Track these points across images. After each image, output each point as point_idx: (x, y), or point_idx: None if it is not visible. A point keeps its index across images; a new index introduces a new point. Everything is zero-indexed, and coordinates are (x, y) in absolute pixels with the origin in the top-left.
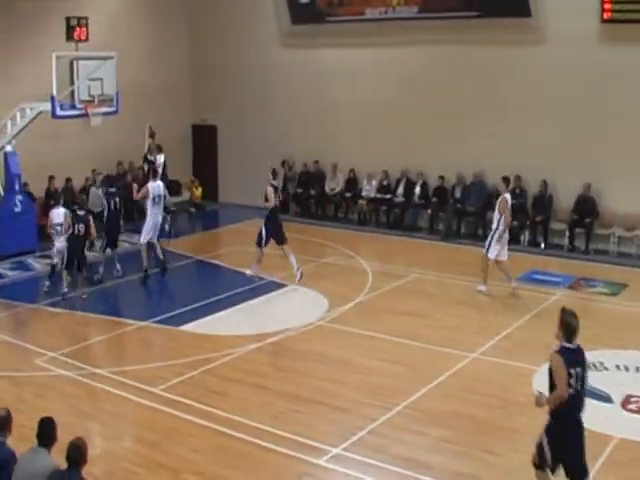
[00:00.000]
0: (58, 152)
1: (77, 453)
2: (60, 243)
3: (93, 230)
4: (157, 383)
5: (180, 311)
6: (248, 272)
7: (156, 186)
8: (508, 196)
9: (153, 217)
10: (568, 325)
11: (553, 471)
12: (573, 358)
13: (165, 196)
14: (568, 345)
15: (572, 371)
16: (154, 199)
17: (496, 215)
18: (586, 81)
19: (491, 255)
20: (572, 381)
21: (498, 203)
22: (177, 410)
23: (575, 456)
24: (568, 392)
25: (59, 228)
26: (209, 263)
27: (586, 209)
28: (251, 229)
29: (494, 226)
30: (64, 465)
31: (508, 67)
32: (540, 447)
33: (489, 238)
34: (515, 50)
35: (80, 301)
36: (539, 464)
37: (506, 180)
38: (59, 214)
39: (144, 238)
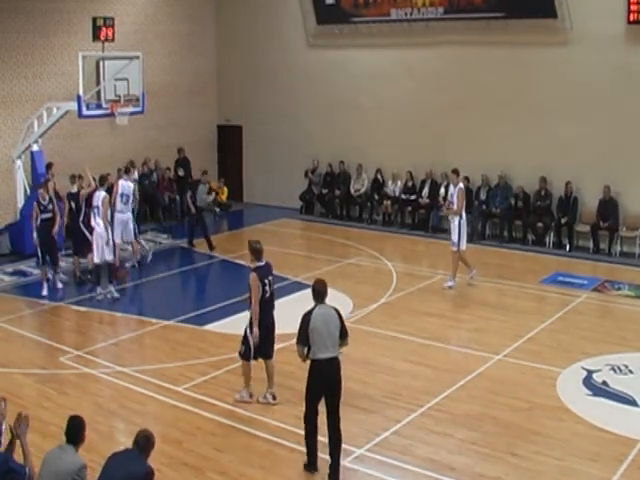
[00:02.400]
0: (84, 151)
1: (145, 442)
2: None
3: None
4: (181, 382)
5: (204, 310)
6: None
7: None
8: (462, 185)
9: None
10: (254, 249)
11: (256, 358)
12: (265, 272)
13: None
14: (259, 264)
15: (266, 280)
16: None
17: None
18: (612, 82)
19: (463, 247)
20: (267, 287)
21: (457, 194)
22: (201, 409)
23: (266, 335)
24: (265, 294)
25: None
26: (233, 263)
27: (608, 211)
28: (275, 229)
29: (458, 220)
30: (92, 463)
31: (534, 68)
32: (245, 339)
33: (457, 232)
34: (540, 51)
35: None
36: (245, 355)
37: (455, 172)
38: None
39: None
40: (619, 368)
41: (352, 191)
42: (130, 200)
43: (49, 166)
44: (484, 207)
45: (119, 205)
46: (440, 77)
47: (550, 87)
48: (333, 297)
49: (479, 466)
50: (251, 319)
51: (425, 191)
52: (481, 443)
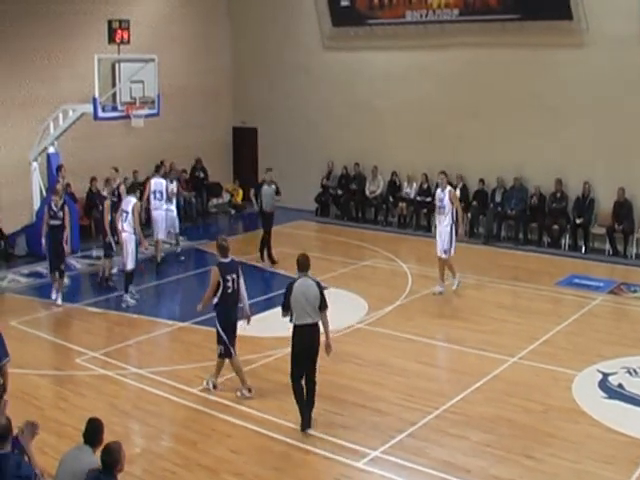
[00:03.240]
0: (100, 153)
1: (109, 458)
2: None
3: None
4: (196, 383)
5: None
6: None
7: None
8: (450, 188)
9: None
10: (220, 246)
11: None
12: (228, 268)
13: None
14: (223, 260)
15: (228, 277)
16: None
17: (448, 209)
18: (628, 84)
19: (453, 252)
20: (229, 284)
21: (448, 197)
22: (216, 411)
23: (231, 333)
24: (227, 290)
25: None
26: (249, 265)
27: (623, 214)
28: (291, 231)
29: (448, 221)
30: None
31: (550, 70)
32: (220, 338)
33: (450, 236)
34: (556, 53)
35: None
36: (225, 353)
37: (445, 173)
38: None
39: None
40: (635, 371)
41: (367, 193)
42: (164, 196)
43: (59, 168)
44: (499, 209)
45: (153, 202)
46: (455, 79)
47: (566, 89)
48: (348, 299)
49: (494, 468)
50: (218, 317)
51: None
52: (496, 445)
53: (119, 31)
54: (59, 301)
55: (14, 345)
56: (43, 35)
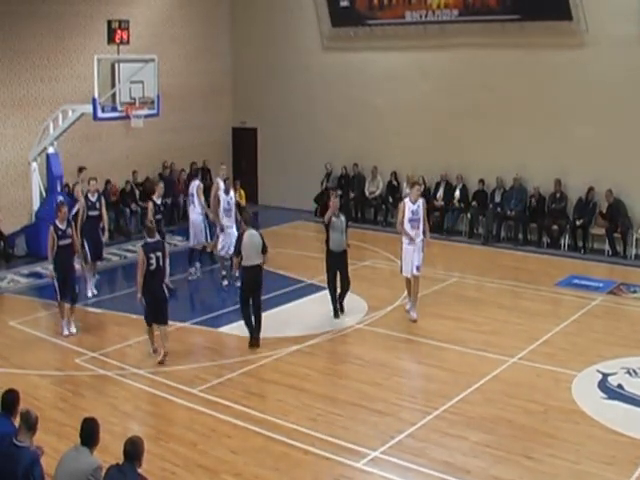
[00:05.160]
0: (99, 154)
1: (133, 448)
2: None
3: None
4: (196, 384)
5: (219, 313)
6: None
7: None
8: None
9: None
10: (147, 228)
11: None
12: (152, 247)
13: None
14: (149, 240)
15: (152, 255)
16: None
17: (422, 223)
18: (628, 84)
19: (407, 274)
20: (152, 261)
21: (423, 209)
22: (216, 411)
23: (152, 304)
24: (150, 267)
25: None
26: None
27: (617, 214)
28: (291, 231)
29: (421, 236)
30: (105, 464)
31: (549, 71)
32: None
33: (422, 253)
34: (556, 53)
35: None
36: (145, 319)
37: (418, 183)
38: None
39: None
40: (635, 371)
41: (367, 193)
42: (195, 200)
43: (80, 170)
44: (499, 209)
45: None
46: (455, 79)
47: (565, 89)
48: (348, 299)
49: (494, 469)
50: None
51: (440, 193)
52: (496, 446)
53: (119, 31)
54: (95, 291)
55: (14, 345)
56: (43, 35)
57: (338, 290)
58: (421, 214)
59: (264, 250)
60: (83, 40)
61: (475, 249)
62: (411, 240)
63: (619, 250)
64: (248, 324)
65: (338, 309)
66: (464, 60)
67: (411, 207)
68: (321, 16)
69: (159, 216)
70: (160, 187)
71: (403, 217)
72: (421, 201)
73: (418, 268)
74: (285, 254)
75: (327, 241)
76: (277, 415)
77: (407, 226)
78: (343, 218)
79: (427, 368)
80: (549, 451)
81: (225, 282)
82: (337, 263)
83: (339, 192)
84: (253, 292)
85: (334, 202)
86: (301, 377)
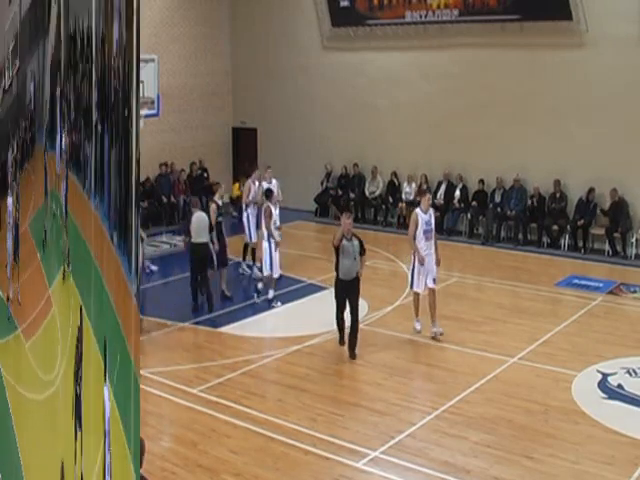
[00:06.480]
0: None
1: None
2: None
3: None
4: (196, 384)
5: (219, 312)
6: None
7: None
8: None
9: None
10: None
11: None
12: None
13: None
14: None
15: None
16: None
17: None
18: (628, 85)
19: (419, 289)
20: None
21: (434, 217)
22: (216, 411)
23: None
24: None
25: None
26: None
27: (619, 214)
28: (291, 231)
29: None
30: None
31: (549, 71)
32: None
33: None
34: (556, 54)
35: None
36: None
37: (427, 191)
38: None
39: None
40: (634, 371)
41: (367, 193)
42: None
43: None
44: (499, 209)
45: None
46: (455, 79)
47: (565, 89)
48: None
49: (494, 469)
50: None
51: (440, 193)
52: (496, 446)
53: None
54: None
55: None
56: None
57: (347, 323)
58: (433, 224)
59: (210, 229)
60: None
61: (475, 249)
62: (422, 259)
63: (619, 250)
64: (195, 296)
65: (344, 340)
66: (464, 60)
67: (424, 218)
68: (321, 16)
69: (220, 218)
70: (221, 188)
71: (416, 229)
72: (432, 210)
73: (434, 280)
74: (285, 254)
75: (336, 267)
76: (277, 415)
77: (421, 238)
78: (356, 242)
79: (427, 368)
80: (549, 451)
81: (256, 296)
82: (345, 292)
83: (350, 206)
84: (199, 267)
85: (345, 223)
86: (301, 377)
